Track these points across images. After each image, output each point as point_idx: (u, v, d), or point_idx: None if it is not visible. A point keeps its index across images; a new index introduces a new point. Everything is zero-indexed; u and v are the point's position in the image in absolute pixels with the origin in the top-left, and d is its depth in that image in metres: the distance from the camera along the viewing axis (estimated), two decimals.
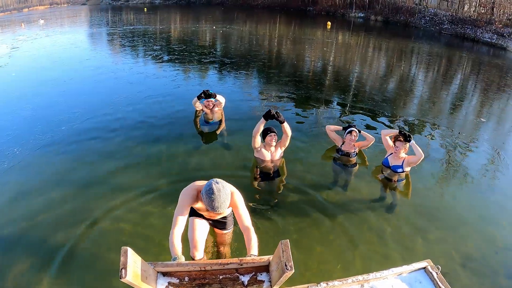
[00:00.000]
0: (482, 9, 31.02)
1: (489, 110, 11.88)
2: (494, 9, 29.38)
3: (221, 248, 4.44)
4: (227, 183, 3.51)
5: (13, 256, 4.47)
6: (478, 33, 28.27)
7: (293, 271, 2.77)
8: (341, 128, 7.32)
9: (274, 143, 6.41)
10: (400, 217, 5.73)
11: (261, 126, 6.09)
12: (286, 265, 2.76)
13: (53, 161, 6.64)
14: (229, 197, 3.49)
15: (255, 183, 6.28)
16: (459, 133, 9.41)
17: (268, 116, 5.92)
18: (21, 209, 5.28)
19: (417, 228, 5.48)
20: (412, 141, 6.39)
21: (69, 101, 9.69)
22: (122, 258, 2.63)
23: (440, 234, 5.40)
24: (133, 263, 2.71)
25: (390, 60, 19.87)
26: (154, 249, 4.67)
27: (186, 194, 3.67)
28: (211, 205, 3.39)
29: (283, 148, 6.64)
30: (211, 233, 4.52)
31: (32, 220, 5.07)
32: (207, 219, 4.29)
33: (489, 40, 27.07)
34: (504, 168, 7.49)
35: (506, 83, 15.87)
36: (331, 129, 7.40)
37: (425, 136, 8.92)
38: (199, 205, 3.85)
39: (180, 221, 3.52)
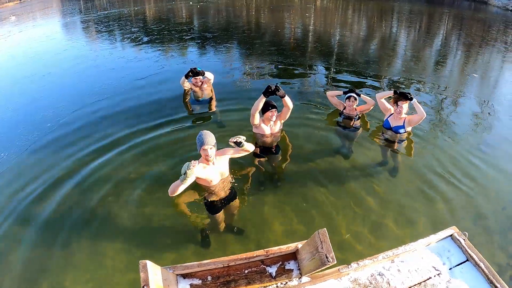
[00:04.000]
0: None
1: (475, 64, 11.83)
2: None
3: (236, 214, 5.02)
4: None
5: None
6: None
7: (335, 262, 2.59)
8: (341, 92, 7.23)
9: (274, 119, 6.15)
10: (405, 180, 5.77)
11: (260, 103, 5.82)
12: (327, 257, 2.56)
13: (43, 161, 6.35)
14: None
15: (256, 160, 6.10)
16: (445, 87, 9.46)
17: (268, 92, 5.65)
18: (21, 212, 5.18)
19: (422, 190, 5.49)
20: (414, 99, 6.26)
21: (51, 96, 9.32)
22: (142, 274, 2.41)
23: (445, 194, 5.40)
24: (154, 276, 2.49)
25: (370, 21, 19.72)
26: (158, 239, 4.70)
27: None
28: (201, 140, 4.49)
29: (283, 121, 6.43)
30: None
31: (36, 220, 5.02)
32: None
33: None
34: (496, 119, 7.57)
35: (490, 36, 15.77)
36: (331, 94, 7.35)
37: (413, 93, 8.76)
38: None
39: None
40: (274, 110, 6.04)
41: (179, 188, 4.30)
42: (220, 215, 4.83)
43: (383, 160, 6.24)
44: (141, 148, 6.53)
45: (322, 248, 2.63)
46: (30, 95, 9.50)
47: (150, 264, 2.48)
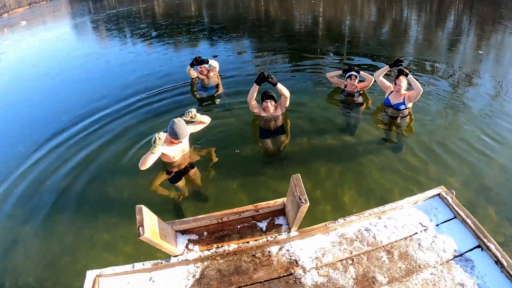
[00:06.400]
0: None
1: (487, 43, 11.66)
2: None
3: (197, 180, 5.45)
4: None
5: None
6: None
7: (308, 204, 2.75)
8: (340, 72, 7.36)
9: (271, 108, 6.32)
10: (409, 153, 5.76)
11: (254, 91, 6.04)
12: (300, 199, 2.72)
13: (60, 152, 6.59)
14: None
15: (260, 140, 6.26)
16: (459, 67, 9.32)
17: (260, 80, 5.85)
18: (41, 205, 5.35)
19: (427, 162, 5.52)
20: (410, 76, 6.34)
21: (64, 92, 9.62)
22: (138, 216, 2.64)
23: (450, 167, 5.42)
24: (150, 221, 2.71)
25: (380, 5, 19.44)
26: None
27: None
28: (175, 133, 4.90)
29: (284, 109, 6.57)
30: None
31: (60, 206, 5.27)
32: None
33: None
34: (508, 98, 7.40)
35: (501, 15, 15.54)
36: (331, 75, 7.47)
37: (426, 73, 8.85)
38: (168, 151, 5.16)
39: None
40: (268, 100, 6.22)
41: (149, 158, 4.73)
42: (181, 184, 5.32)
43: (387, 137, 6.30)
44: (151, 135, 6.64)
45: (296, 191, 2.81)
46: (45, 93, 9.87)
47: (145, 209, 2.71)
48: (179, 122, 4.95)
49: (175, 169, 5.43)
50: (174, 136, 4.95)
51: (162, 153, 5.11)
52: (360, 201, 4.84)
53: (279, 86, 5.98)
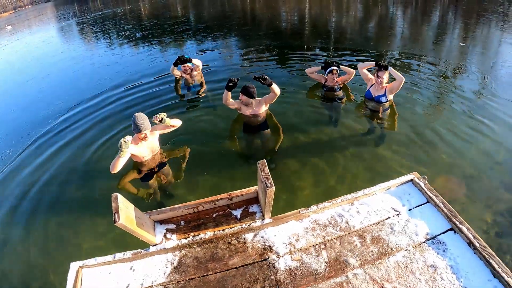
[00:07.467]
0: None
1: (472, 36, 11.81)
2: None
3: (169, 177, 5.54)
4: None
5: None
6: None
7: (274, 187, 2.82)
8: (319, 67, 7.42)
9: (250, 102, 6.33)
10: (390, 144, 5.82)
11: (226, 95, 6.10)
12: (266, 183, 2.81)
13: (47, 154, 6.61)
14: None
15: (243, 136, 6.33)
16: (444, 60, 9.41)
17: (229, 86, 5.95)
18: (27, 203, 5.39)
19: (410, 154, 5.57)
20: (390, 68, 6.41)
21: (50, 95, 9.64)
22: (113, 204, 2.73)
23: (433, 157, 5.48)
24: (125, 209, 2.80)
25: (366, 2, 19.51)
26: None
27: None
28: (138, 127, 5.09)
29: (268, 105, 6.58)
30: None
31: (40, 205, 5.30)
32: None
33: None
34: (494, 91, 7.47)
35: (485, 8, 15.71)
36: (311, 71, 7.52)
37: (411, 66, 8.95)
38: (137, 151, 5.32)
39: None
40: (241, 94, 6.25)
41: (118, 162, 4.89)
42: (154, 183, 5.42)
43: (369, 129, 6.35)
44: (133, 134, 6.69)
45: (262, 176, 2.90)
46: (31, 97, 9.87)
47: (120, 197, 2.81)
48: (139, 115, 5.16)
49: (147, 169, 5.55)
50: (136, 129, 5.14)
51: (132, 154, 5.27)
52: (342, 191, 4.83)
53: (273, 86, 6.03)
